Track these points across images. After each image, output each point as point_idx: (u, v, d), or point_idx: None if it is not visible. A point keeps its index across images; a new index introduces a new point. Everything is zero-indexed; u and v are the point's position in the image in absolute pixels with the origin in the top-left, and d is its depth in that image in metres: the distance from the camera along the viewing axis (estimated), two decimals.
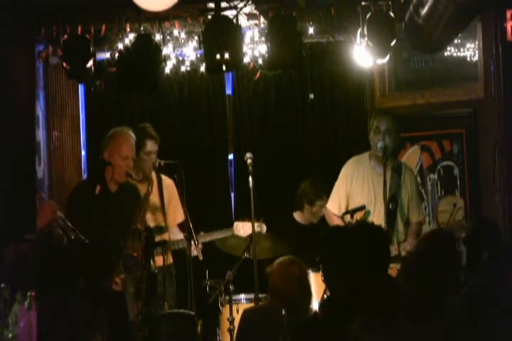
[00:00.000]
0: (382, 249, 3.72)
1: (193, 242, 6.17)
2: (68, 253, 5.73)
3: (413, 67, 7.58)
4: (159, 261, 6.21)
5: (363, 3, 6.14)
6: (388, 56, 6.18)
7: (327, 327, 3.52)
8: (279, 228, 7.02)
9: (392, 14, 6.09)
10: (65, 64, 6.52)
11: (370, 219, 6.26)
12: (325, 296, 5.57)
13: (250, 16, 6.55)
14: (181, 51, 7.12)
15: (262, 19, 6.44)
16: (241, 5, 6.21)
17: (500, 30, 6.15)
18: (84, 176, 7.77)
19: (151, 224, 6.47)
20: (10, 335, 4.05)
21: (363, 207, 6.32)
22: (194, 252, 6.27)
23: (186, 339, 5.96)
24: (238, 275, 6.22)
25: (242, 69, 7.00)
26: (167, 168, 6.50)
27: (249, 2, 6.23)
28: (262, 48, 6.69)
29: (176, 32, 6.73)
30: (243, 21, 6.43)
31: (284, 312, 4.81)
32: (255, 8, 6.39)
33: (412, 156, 7.50)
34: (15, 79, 6.46)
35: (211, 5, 6.22)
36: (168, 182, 6.73)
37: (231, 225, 6.71)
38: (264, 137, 8.00)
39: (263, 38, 6.50)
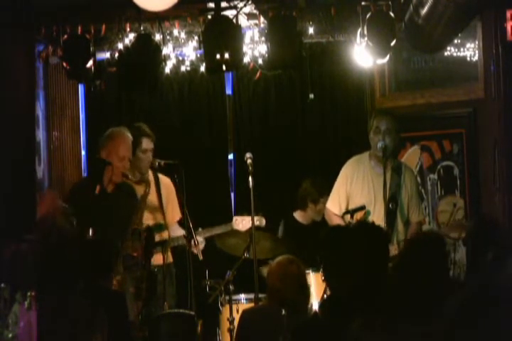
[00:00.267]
0: (382, 248, 3.72)
1: (193, 242, 6.17)
2: (68, 253, 5.73)
3: (413, 67, 7.58)
4: (159, 259, 6.22)
5: (363, 3, 6.14)
6: (388, 56, 6.18)
7: (327, 327, 3.52)
8: (279, 228, 7.02)
9: (392, 14, 6.09)
10: (65, 64, 6.52)
11: (370, 219, 6.26)
12: (325, 296, 5.57)
13: (250, 16, 6.55)
14: (181, 51, 7.12)
15: (262, 19, 6.44)
16: (241, 5, 6.21)
17: (500, 30, 6.15)
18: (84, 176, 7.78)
19: (150, 222, 6.48)
20: (10, 335, 4.05)
21: (363, 207, 6.32)
22: (195, 251, 6.28)
23: (186, 339, 5.96)
24: (238, 275, 6.22)
25: (242, 69, 7.00)
26: (167, 168, 6.50)
27: (249, 2, 6.23)
28: (262, 48, 6.69)
29: (175, 32, 6.73)
30: (243, 21, 6.43)
31: (284, 312, 4.81)
32: (255, 8, 6.39)
33: (412, 156, 7.50)
34: (15, 79, 6.46)
35: (211, 5, 6.22)
36: (165, 181, 6.75)
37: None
38: (264, 137, 8.01)
39: (263, 38, 6.50)
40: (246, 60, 6.84)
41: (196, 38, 6.71)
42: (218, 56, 5.97)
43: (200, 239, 6.38)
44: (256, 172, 6.38)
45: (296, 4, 6.30)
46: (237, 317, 5.85)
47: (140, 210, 6.24)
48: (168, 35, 6.73)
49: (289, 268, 5.20)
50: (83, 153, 7.81)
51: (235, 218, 6.69)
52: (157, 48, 6.44)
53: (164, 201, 6.71)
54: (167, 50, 6.82)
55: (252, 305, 6.04)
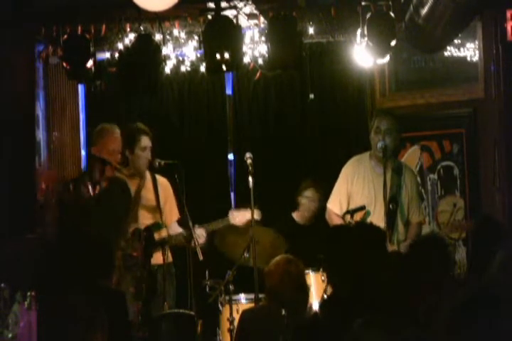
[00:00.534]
0: (380, 248, 3.72)
1: (193, 242, 6.17)
2: (68, 252, 5.73)
3: (413, 67, 7.58)
4: (158, 258, 6.22)
5: (363, 3, 6.15)
6: (388, 56, 6.18)
7: (327, 327, 3.52)
8: (278, 228, 7.02)
9: (392, 14, 6.09)
10: (65, 64, 6.52)
11: (370, 219, 6.26)
12: (325, 296, 5.57)
13: (250, 16, 6.55)
14: (181, 51, 7.12)
15: (262, 19, 6.44)
16: (241, 5, 6.21)
17: (501, 30, 6.16)
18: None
19: (148, 222, 6.49)
20: (10, 335, 4.05)
21: (363, 207, 6.32)
22: (200, 240, 6.27)
23: (186, 339, 5.96)
24: (238, 275, 6.21)
25: (242, 69, 6.99)
26: (167, 168, 6.50)
27: (249, 2, 6.23)
28: (262, 48, 6.69)
29: (175, 32, 6.73)
30: (243, 21, 6.43)
31: (284, 312, 4.81)
32: (255, 8, 6.39)
33: (412, 156, 7.50)
34: (15, 79, 6.47)
35: (211, 5, 6.22)
36: (162, 181, 6.76)
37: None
38: (264, 137, 8.00)
39: (263, 38, 6.50)
40: (246, 60, 6.84)
41: (196, 38, 6.72)
42: (218, 56, 5.98)
43: (202, 233, 6.38)
44: (256, 172, 6.37)
45: (296, 4, 6.30)
46: (237, 317, 5.84)
47: (136, 204, 6.24)
48: (168, 35, 6.73)
49: (288, 267, 5.19)
50: (83, 153, 7.81)
51: (231, 212, 6.68)
52: (157, 48, 6.44)
53: (162, 201, 6.72)
54: (167, 50, 6.82)
55: (252, 305, 6.04)
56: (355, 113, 7.90)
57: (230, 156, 8.07)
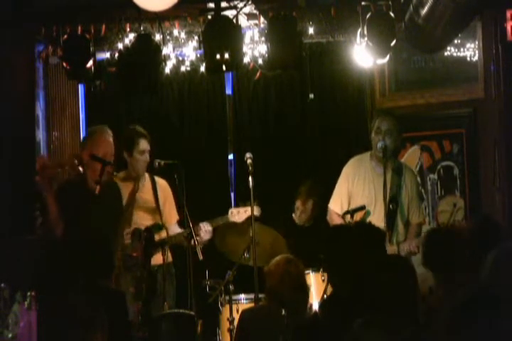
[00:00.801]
0: (379, 248, 3.72)
1: (193, 242, 6.17)
2: (68, 252, 5.73)
3: (413, 67, 7.58)
4: (158, 258, 6.23)
5: (363, 3, 6.14)
6: (388, 56, 6.18)
7: (327, 327, 3.53)
8: (278, 228, 7.02)
9: (392, 14, 6.09)
10: (65, 64, 6.51)
11: (370, 219, 6.25)
12: (325, 296, 5.57)
13: (250, 16, 6.55)
14: (181, 51, 7.12)
15: (262, 19, 6.44)
16: (241, 5, 6.21)
17: (501, 30, 6.15)
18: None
19: (148, 223, 6.49)
20: (10, 335, 4.05)
21: (363, 207, 6.32)
22: (205, 236, 6.27)
23: (186, 339, 5.96)
24: (238, 275, 6.21)
25: (242, 69, 6.99)
26: (167, 168, 6.50)
27: (249, 2, 6.23)
28: (262, 48, 6.69)
29: (175, 32, 6.73)
30: (243, 21, 6.43)
31: (284, 312, 4.81)
32: (255, 8, 6.39)
33: (412, 156, 7.50)
34: (15, 79, 6.47)
35: (211, 5, 6.22)
36: (161, 183, 6.77)
37: (232, 224, 6.72)
38: (264, 137, 8.00)
39: (263, 38, 6.50)
40: (246, 60, 6.84)
41: (196, 38, 6.72)
42: (218, 56, 5.97)
43: (208, 228, 6.38)
44: (256, 172, 6.37)
45: (296, 4, 6.30)
46: (237, 317, 5.84)
47: (130, 207, 6.23)
48: (168, 35, 6.73)
49: (288, 267, 5.19)
50: None
51: (230, 210, 6.69)
52: (157, 48, 6.44)
53: (161, 202, 6.72)
54: (167, 50, 6.82)
55: (252, 305, 6.04)
56: (355, 113, 7.90)
57: (230, 156, 8.08)
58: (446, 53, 7.14)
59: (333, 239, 3.76)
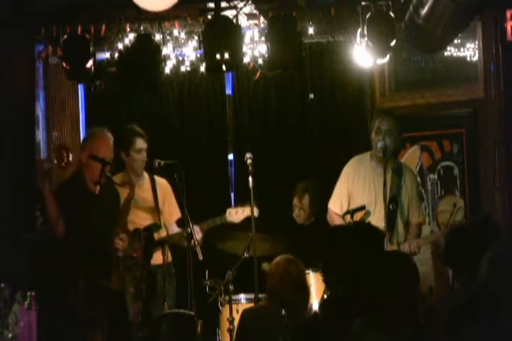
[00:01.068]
0: (379, 248, 3.72)
1: (193, 242, 6.17)
2: (68, 252, 5.73)
3: (413, 67, 7.58)
4: (158, 258, 6.23)
5: (363, 3, 6.14)
6: (388, 56, 6.18)
7: (327, 327, 3.52)
8: (278, 228, 7.02)
9: (392, 14, 6.09)
10: (64, 64, 6.52)
11: (370, 219, 6.25)
12: (325, 296, 5.57)
13: (250, 16, 6.55)
14: (181, 51, 7.12)
15: (262, 19, 6.44)
16: (241, 5, 6.21)
17: (501, 30, 6.15)
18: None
19: (147, 222, 6.49)
20: (10, 335, 4.05)
21: (363, 207, 6.32)
22: (197, 235, 6.26)
23: (186, 339, 5.96)
24: (238, 275, 6.21)
25: (242, 69, 7.00)
26: (167, 168, 6.50)
27: (249, 2, 6.23)
28: (262, 48, 6.69)
29: (175, 32, 6.73)
30: (243, 21, 6.43)
31: (284, 312, 4.81)
32: (255, 8, 6.39)
33: (412, 156, 7.50)
34: (15, 79, 6.46)
35: (211, 5, 6.22)
36: (161, 182, 6.78)
37: (231, 227, 6.72)
38: (264, 137, 8.01)
39: (263, 38, 6.50)
40: (246, 60, 6.84)
41: (196, 38, 6.72)
42: (218, 56, 5.97)
43: (197, 229, 6.38)
44: (256, 172, 6.37)
45: (296, 4, 6.30)
46: (237, 317, 5.84)
47: (124, 213, 6.22)
48: (168, 35, 6.73)
49: (289, 268, 5.20)
50: None
51: (228, 210, 6.70)
52: (157, 48, 6.44)
53: (160, 201, 6.73)
54: (167, 50, 6.82)
55: (252, 305, 6.04)
56: (355, 113, 7.90)
57: (230, 156, 8.08)
58: (446, 53, 7.13)
59: (331, 240, 3.76)
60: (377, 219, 6.21)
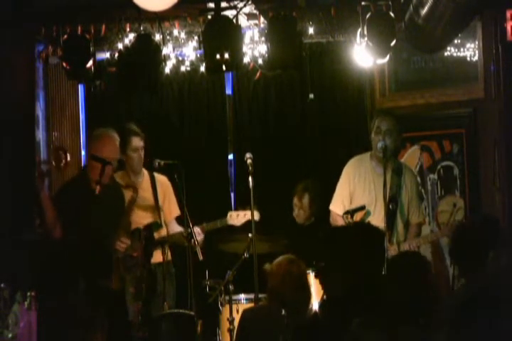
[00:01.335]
0: (379, 248, 3.72)
1: (193, 242, 6.17)
2: (68, 252, 5.73)
3: (413, 67, 7.58)
4: (158, 257, 6.23)
5: (363, 3, 6.14)
6: (388, 56, 6.18)
7: (327, 327, 3.52)
8: (279, 228, 7.02)
9: (392, 14, 6.09)
10: (64, 64, 6.52)
11: (370, 219, 6.25)
12: (325, 296, 5.57)
13: (250, 16, 6.55)
14: (181, 51, 7.12)
15: (262, 19, 6.44)
16: (241, 5, 6.21)
17: (500, 30, 6.15)
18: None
19: (147, 221, 6.49)
20: (10, 335, 4.06)
21: (362, 207, 6.32)
22: (199, 237, 6.27)
23: (186, 339, 5.96)
24: (238, 275, 6.21)
25: (242, 69, 6.99)
26: (167, 168, 6.50)
27: (249, 2, 6.23)
28: (262, 48, 6.69)
29: (175, 32, 6.73)
30: (243, 21, 6.43)
31: (284, 312, 4.80)
32: (255, 8, 6.39)
33: (412, 156, 7.50)
34: (15, 79, 6.47)
35: (211, 5, 6.22)
36: (161, 179, 6.78)
37: (232, 230, 6.72)
38: (264, 137, 8.00)
39: (263, 38, 6.50)
40: (246, 60, 6.84)
41: (196, 38, 6.71)
42: (218, 56, 5.97)
43: (198, 231, 6.38)
44: (256, 172, 6.37)
45: (296, 4, 6.29)
46: (237, 317, 5.85)
47: (127, 215, 6.21)
48: (168, 35, 6.73)
49: (290, 268, 5.20)
50: (83, 153, 7.81)
51: (229, 213, 6.70)
52: (157, 48, 6.44)
53: (160, 199, 6.73)
54: (167, 50, 6.82)
55: (252, 305, 6.04)
56: (355, 113, 7.89)
57: (230, 156, 8.08)
58: (446, 53, 7.13)
59: (331, 240, 3.76)
60: (377, 219, 6.21)
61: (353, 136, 7.84)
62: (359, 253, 3.58)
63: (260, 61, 6.83)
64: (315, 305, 5.53)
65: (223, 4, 6.15)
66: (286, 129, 7.98)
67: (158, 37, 6.54)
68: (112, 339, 3.66)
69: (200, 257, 6.18)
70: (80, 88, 7.87)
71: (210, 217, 6.82)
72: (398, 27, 6.23)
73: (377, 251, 3.69)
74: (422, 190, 7.28)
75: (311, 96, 7.71)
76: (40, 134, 7.33)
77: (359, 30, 6.15)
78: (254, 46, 6.88)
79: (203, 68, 6.90)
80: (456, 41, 6.88)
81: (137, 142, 6.68)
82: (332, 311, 3.58)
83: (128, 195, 6.27)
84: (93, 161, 6.03)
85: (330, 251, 3.68)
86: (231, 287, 6.11)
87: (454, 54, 7.11)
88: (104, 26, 6.58)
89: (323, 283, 3.71)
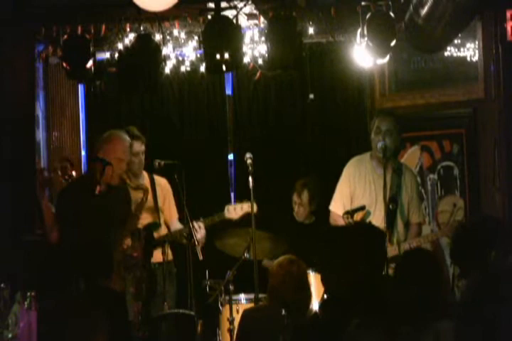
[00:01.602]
0: (379, 248, 3.72)
1: (192, 241, 6.17)
2: (68, 253, 5.73)
3: (413, 67, 7.58)
4: (158, 256, 6.23)
5: (363, 3, 6.14)
6: (388, 56, 6.18)
7: (327, 327, 3.52)
8: (279, 228, 7.02)
9: (392, 14, 6.09)
10: (65, 64, 6.52)
11: (371, 219, 6.26)
12: (325, 296, 5.57)
13: (250, 16, 6.55)
14: (181, 51, 7.12)
15: (262, 19, 6.44)
16: (241, 5, 6.21)
17: (500, 30, 6.16)
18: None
19: (147, 222, 6.49)
20: (10, 335, 4.05)
21: (362, 208, 6.32)
22: (198, 234, 6.27)
23: (186, 339, 5.96)
24: (238, 275, 6.21)
25: (242, 69, 7.00)
26: (167, 168, 6.50)
27: (249, 2, 6.23)
28: (262, 48, 6.69)
29: (175, 32, 6.73)
30: (243, 21, 6.43)
31: (284, 312, 4.80)
32: (255, 8, 6.39)
33: (412, 156, 7.50)
34: (15, 79, 6.47)
35: (211, 5, 6.22)
36: (160, 181, 6.77)
37: (231, 225, 6.72)
38: (264, 137, 8.01)
39: (263, 38, 6.50)
40: (246, 60, 6.84)
41: (196, 38, 6.71)
42: (218, 56, 5.97)
43: (199, 225, 6.38)
44: (256, 172, 6.38)
45: (296, 4, 6.29)
46: (237, 317, 5.85)
47: (135, 217, 6.20)
48: (168, 35, 6.72)
49: (290, 268, 5.20)
50: (83, 153, 7.81)
51: (227, 207, 6.70)
52: (157, 48, 6.44)
53: (160, 201, 6.72)
54: (167, 50, 6.82)
55: (252, 305, 6.04)
56: (355, 113, 7.90)
57: (230, 156, 8.08)
58: (446, 53, 7.13)
59: (332, 240, 3.76)
60: (378, 219, 6.21)
61: (353, 136, 7.84)
62: (359, 253, 3.58)
63: (260, 61, 6.84)
64: (315, 305, 5.53)
65: (223, 4, 6.15)
66: (286, 129, 7.98)
67: (158, 37, 6.54)
68: (112, 339, 3.66)
69: (200, 257, 6.18)
70: (80, 88, 7.87)
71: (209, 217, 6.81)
72: (398, 27, 6.23)
73: (378, 251, 3.69)
74: (422, 190, 7.28)
75: (311, 96, 7.71)
76: (40, 134, 7.34)
77: (359, 30, 6.15)
78: (254, 46, 6.88)
79: (203, 68, 6.90)
80: (456, 41, 6.88)
81: (138, 146, 6.65)
82: (332, 311, 3.57)
83: (138, 197, 6.23)
84: (93, 162, 6.03)
85: (330, 251, 3.68)
86: (231, 287, 6.11)
87: (454, 54, 7.11)
88: (104, 26, 6.58)
89: (324, 283, 3.72)
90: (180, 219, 6.72)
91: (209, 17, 6.24)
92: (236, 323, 5.79)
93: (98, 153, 6.07)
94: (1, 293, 4.16)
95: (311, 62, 7.74)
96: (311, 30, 6.58)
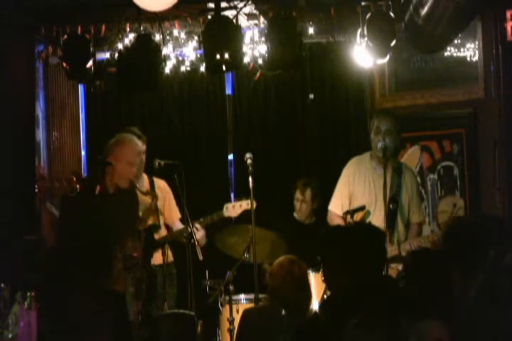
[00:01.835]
0: (379, 248, 3.72)
1: (192, 241, 6.17)
2: (69, 253, 5.73)
3: (413, 67, 7.58)
4: (158, 258, 6.23)
5: (363, 3, 6.14)
6: (388, 56, 6.18)
7: (327, 327, 3.52)
8: (279, 228, 7.02)
9: (392, 14, 6.09)
10: (65, 64, 6.52)
11: (371, 219, 6.25)
12: (325, 296, 5.57)
13: (250, 16, 6.55)
14: (181, 51, 7.12)
15: (262, 19, 6.44)
16: (241, 5, 6.21)
17: (500, 30, 6.16)
18: (84, 176, 7.77)
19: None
20: (10, 335, 4.05)
21: (362, 208, 6.32)
22: (200, 233, 6.27)
23: (186, 339, 5.96)
24: (238, 275, 6.21)
25: (242, 69, 7.00)
26: (167, 168, 6.50)
27: (249, 2, 6.23)
28: (262, 48, 6.69)
29: (175, 32, 6.73)
30: (243, 21, 6.43)
31: (284, 312, 4.81)
32: (255, 8, 6.39)
33: (412, 156, 7.50)
34: (15, 79, 6.47)
35: (211, 5, 6.22)
36: (160, 183, 6.76)
37: (231, 223, 6.72)
38: (264, 137, 8.01)
39: (263, 38, 6.50)
40: (246, 60, 6.84)
41: (196, 38, 6.71)
42: (218, 56, 5.98)
43: (197, 226, 6.38)
44: (256, 172, 6.38)
45: (296, 4, 6.29)
46: (237, 317, 5.85)
47: (143, 221, 6.18)
48: (168, 35, 6.73)
49: (291, 268, 5.20)
50: (83, 153, 7.81)
51: (225, 205, 6.70)
52: (157, 48, 6.44)
53: (160, 203, 6.71)
54: (167, 50, 6.82)
55: (252, 305, 6.04)
56: (355, 113, 7.90)
57: (230, 156, 8.08)
58: (446, 53, 7.14)
59: (332, 240, 3.76)
60: (378, 219, 6.21)
61: (353, 136, 7.84)
62: (360, 253, 3.58)
63: (260, 61, 6.83)
64: (315, 305, 5.53)
65: (223, 4, 6.15)
66: (286, 129, 7.98)
67: (158, 37, 6.54)
68: (112, 339, 3.66)
69: (200, 257, 6.17)
70: (80, 88, 7.87)
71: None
72: (398, 27, 6.23)
73: (378, 251, 3.69)
74: (422, 190, 7.28)
75: (311, 96, 7.71)
76: (40, 134, 7.34)
77: (359, 30, 6.16)
78: (254, 46, 6.88)
79: (203, 68, 6.90)
80: (456, 41, 6.88)
81: (140, 146, 6.65)
82: (332, 311, 3.57)
83: (146, 202, 6.21)
84: (95, 164, 6.03)
85: (330, 251, 3.68)
86: (231, 287, 6.11)
87: (454, 54, 7.11)
88: (104, 26, 6.57)
89: (327, 283, 3.72)
90: (181, 220, 6.72)
91: (209, 17, 6.24)
92: (236, 323, 5.79)
93: (108, 156, 6.00)
94: (1, 293, 4.16)
95: (311, 62, 7.74)
96: (311, 30, 6.58)
